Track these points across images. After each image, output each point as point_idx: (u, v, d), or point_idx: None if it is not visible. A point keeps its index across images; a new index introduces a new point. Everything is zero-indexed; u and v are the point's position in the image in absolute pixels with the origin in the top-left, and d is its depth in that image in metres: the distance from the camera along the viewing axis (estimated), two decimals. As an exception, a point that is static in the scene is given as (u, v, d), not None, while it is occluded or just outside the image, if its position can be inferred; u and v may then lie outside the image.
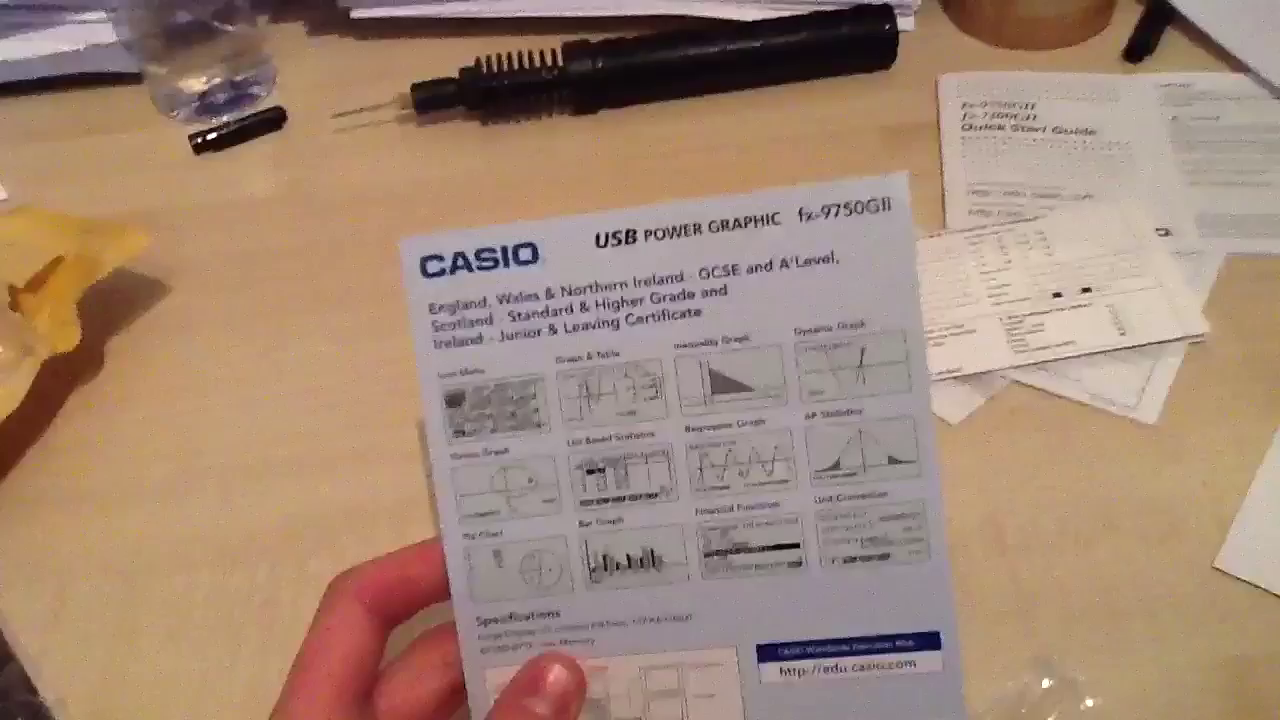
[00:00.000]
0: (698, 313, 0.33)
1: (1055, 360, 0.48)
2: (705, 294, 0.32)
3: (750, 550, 0.33)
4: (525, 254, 0.33)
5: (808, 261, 0.32)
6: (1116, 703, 0.39)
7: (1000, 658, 0.40)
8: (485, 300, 0.33)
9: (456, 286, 0.33)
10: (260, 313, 0.55)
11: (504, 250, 0.33)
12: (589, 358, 0.33)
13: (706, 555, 0.33)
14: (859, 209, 0.32)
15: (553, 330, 0.33)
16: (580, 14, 0.66)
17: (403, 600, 0.34)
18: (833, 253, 0.32)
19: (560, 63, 0.62)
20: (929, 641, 0.33)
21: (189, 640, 0.44)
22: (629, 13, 0.66)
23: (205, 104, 0.65)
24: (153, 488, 0.49)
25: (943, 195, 0.56)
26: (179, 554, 0.47)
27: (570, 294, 0.33)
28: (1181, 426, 0.46)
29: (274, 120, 0.65)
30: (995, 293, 0.51)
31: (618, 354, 0.33)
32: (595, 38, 0.63)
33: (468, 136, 0.64)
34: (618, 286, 0.33)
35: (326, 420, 0.51)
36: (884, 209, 0.32)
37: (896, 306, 0.32)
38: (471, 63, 0.63)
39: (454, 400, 0.33)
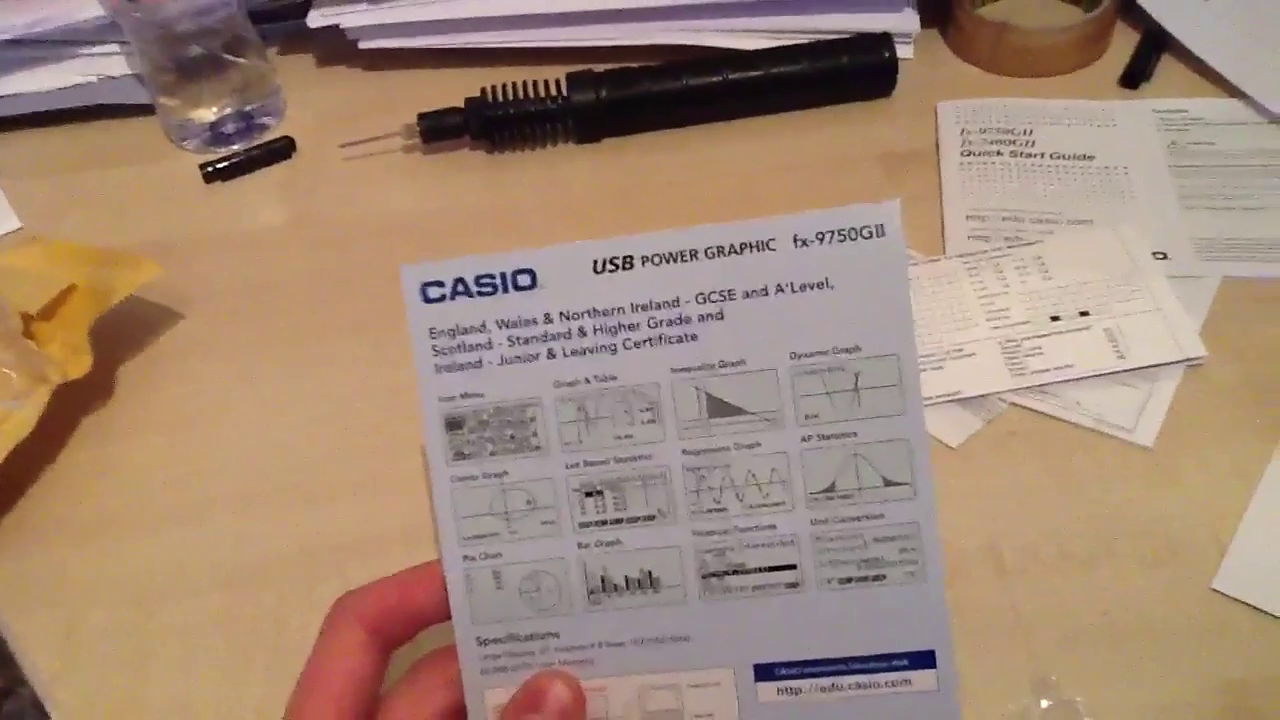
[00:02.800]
0: (694, 337, 0.33)
1: (1053, 383, 0.49)
2: (701, 319, 0.33)
3: (747, 572, 0.34)
4: (524, 280, 0.33)
5: (803, 287, 0.33)
6: (1115, 723, 0.39)
7: (1000, 679, 0.41)
8: (485, 325, 0.34)
9: (456, 311, 0.34)
10: (269, 340, 0.56)
11: (503, 276, 0.34)
12: (587, 382, 0.33)
13: (704, 576, 0.34)
14: (853, 235, 0.32)
15: (551, 355, 0.33)
16: (584, 44, 0.67)
17: (403, 622, 0.35)
18: (827, 278, 0.33)
19: (564, 92, 0.63)
20: (924, 660, 0.33)
21: (199, 665, 0.44)
22: (632, 42, 0.67)
23: (216, 134, 0.66)
24: (163, 514, 0.50)
25: (942, 220, 0.57)
26: (189, 580, 0.47)
27: (568, 319, 0.33)
28: (1179, 449, 0.47)
29: (283, 150, 0.66)
30: (994, 317, 0.51)
31: (615, 378, 0.33)
32: (599, 67, 0.64)
33: (473, 165, 0.65)
34: (615, 312, 0.33)
35: (334, 447, 0.51)
36: (877, 235, 0.32)
37: (890, 331, 0.33)
38: (477, 93, 0.64)
39: (454, 424, 0.34)
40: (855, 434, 0.33)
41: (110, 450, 0.52)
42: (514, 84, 0.63)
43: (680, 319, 0.33)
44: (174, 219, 0.63)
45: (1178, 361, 0.49)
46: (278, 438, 0.52)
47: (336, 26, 0.68)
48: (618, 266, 0.33)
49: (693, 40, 0.66)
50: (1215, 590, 0.42)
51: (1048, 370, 0.49)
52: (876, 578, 0.33)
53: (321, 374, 0.54)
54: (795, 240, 0.33)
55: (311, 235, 0.62)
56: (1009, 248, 0.54)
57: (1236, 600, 0.42)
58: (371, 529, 0.48)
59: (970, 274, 0.53)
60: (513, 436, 0.34)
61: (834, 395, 0.33)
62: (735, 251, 0.33)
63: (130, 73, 0.69)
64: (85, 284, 0.53)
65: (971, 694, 0.40)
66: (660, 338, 0.33)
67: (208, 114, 0.66)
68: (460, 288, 0.34)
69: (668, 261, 0.33)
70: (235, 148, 0.66)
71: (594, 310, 0.33)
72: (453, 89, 0.65)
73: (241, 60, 0.65)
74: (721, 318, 0.33)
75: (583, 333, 0.33)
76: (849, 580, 0.33)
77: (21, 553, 0.49)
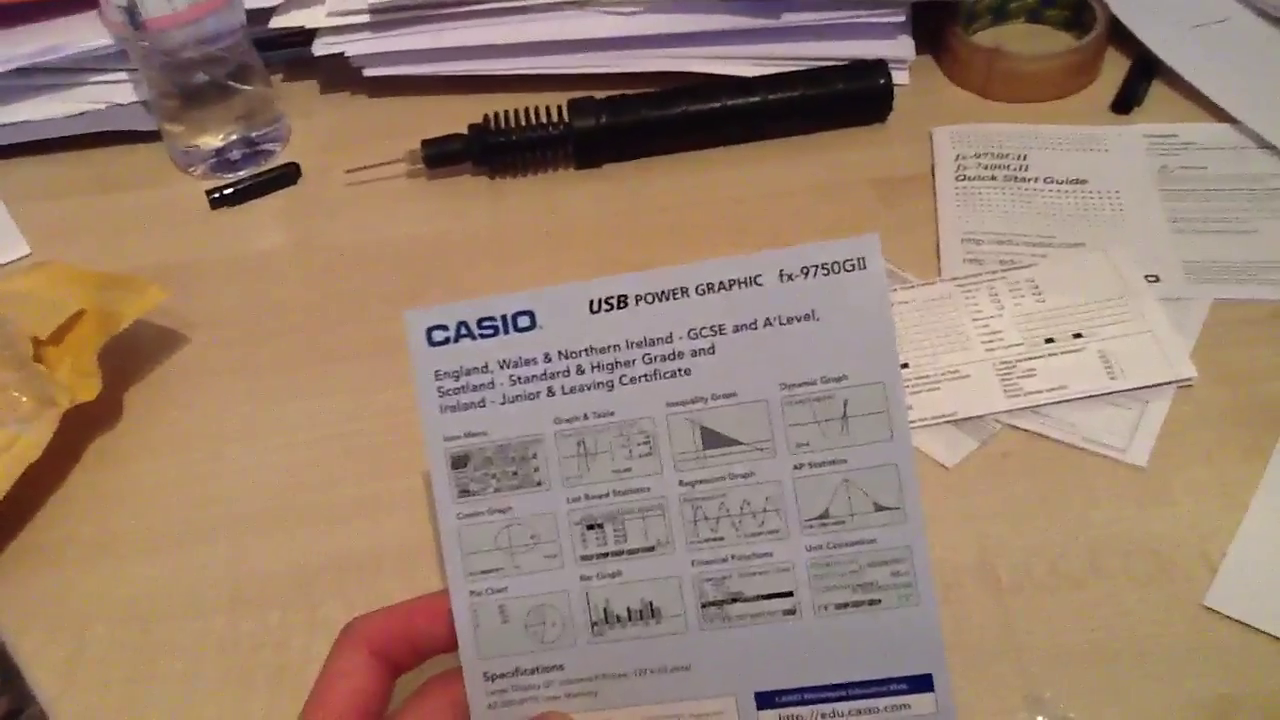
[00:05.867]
0: (687, 372, 0.34)
1: (1047, 405, 0.50)
2: (694, 354, 0.34)
3: (745, 600, 0.34)
4: (524, 321, 0.34)
5: (790, 320, 0.34)
6: (1107, 741, 0.40)
7: (994, 696, 0.41)
8: (487, 366, 0.34)
9: (460, 354, 0.35)
10: (274, 363, 0.57)
11: (504, 318, 0.34)
12: (585, 418, 0.34)
13: (704, 606, 0.34)
14: (836, 269, 0.33)
15: (551, 392, 0.34)
16: (585, 71, 0.68)
17: (409, 649, 0.35)
18: (813, 311, 0.34)
19: (565, 119, 0.64)
20: (922, 684, 0.34)
21: (203, 684, 0.45)
22: (632, 69, 0.68)
23: (221, 161, 0.67)
24: (167, 535, 0.50)
25: (937, 244, 0.58)
26: (193, 600, 0.48)
27: (567, 357, 0.34)
28: (1170, 468, 0.47)
29: (288, 176, 0.67)
30: (989, 339, 0.52)
31: (612, 413, 0.34)
32: (600, 94, 0.65)
33: (476, 190, 0.65)
34: (611, 349, 0.34)
35: (337, 469, 0.52)
36: (859, 268, 0.33)
37: (875, 360, 0.33)
38: (480, 119, 0.65)
39: (459, 462, 0.35)
40: (845, 461, 0.34)
41: (117, 473, 0.53)
42: (516, 111, 0.64)
43: (674, 354, 0.34)
44: (180, 244, 0.64)
45: (1169, 382, 0.50)
46: (281, 459, 0.53)
47: (341, 54, 0.69)
48: (613, 305, 0.34)
49: (691, 67, 0.67)
50: (1206, 607, 0.43)
51: (1041, 391, 0.50)
52: (871, 602, 0.34)
53: (324, 396, 0.55)
54: (781, 275, 0.34)
55: (315, 260, 0.62)
56: (1003, 271, 0.55)
57: (1226, 617, 0.42)
58: (373, 549, 0.48)
59: (965, 297, 0.54)
60: (515, 473, 0.35)
61: (823, 424, 0.34)
62: (724, 288, 0.34)
63: (137, 100, 0.69)
64: (94, 308, 0.54)
65: (966, 710, 0.41)
66: (655, 373, 0.34)
67: (213, 140, 0.67)
68: (463, 330, 0.35)
69: (660, 299, 0.34)
70: (241, 174, 0.67)
71: (591, 348, 0.34)
72: (455, 115, 0.65)
73: (247, 87, 0.66)
74: (713, 352, 0.34)
75: (581, 370, 0.34)
76: (845, 605, 0.34)
77: (29, 574, 0.49)
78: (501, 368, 0.34)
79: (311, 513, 0.50)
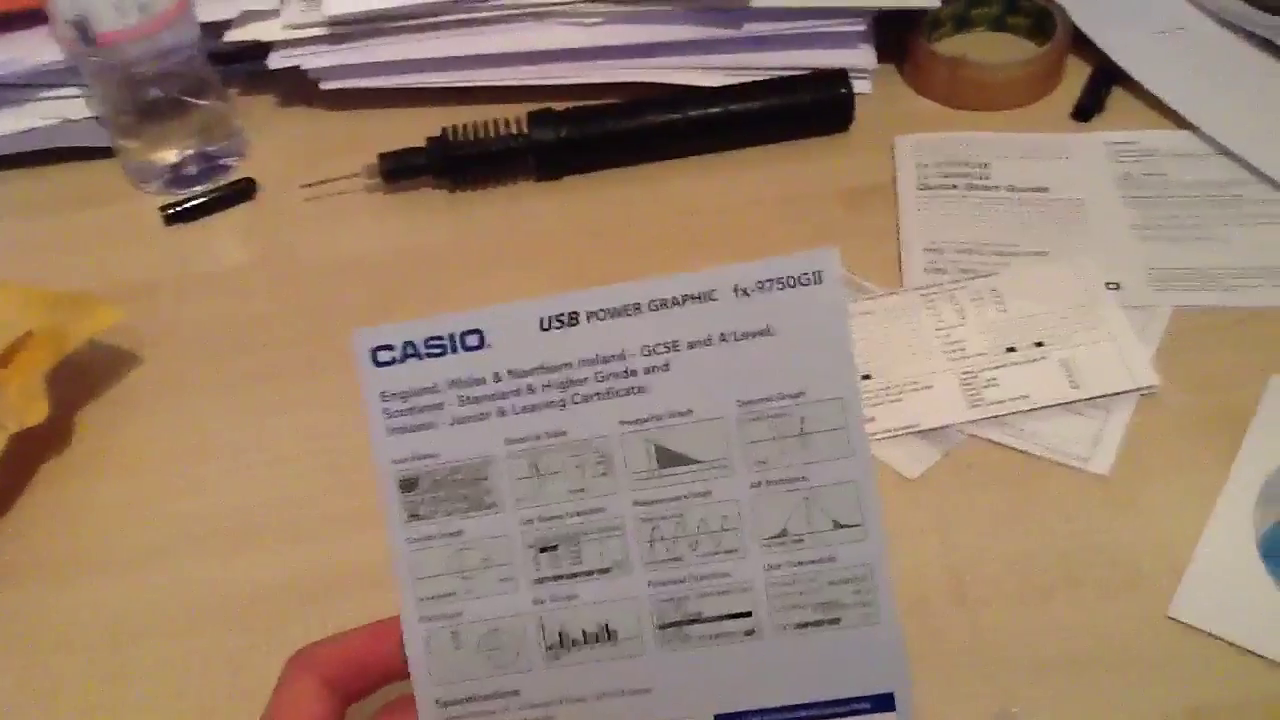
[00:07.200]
0: (642, 390, 0.33)
1: (1010, 414, 0.49)
2: (648, 371, 0.33)
3: (704, 620, 0.34)
4: (472, 340, 0.34)
5: (745, 335, 0.33)
6: (1075, 753, 0.40)
7: (962, 709, 0.41)
8: (436, 386, 0.34)
9: (407, 374, 0.34)
10: (232, 381, 0.56)
11: (452, 337, 0.34)
12: (538, 438, 0.34)
13: (661, 627, 0.34)
14: (792, 283, 0.33)
15: (501, 413, 0.34)
16: (545, 82, 0.68)
17: (359, 679, 0.35)
18: (769, 326, 0.33)
19: (525, 131, 0.64)
20: (884, 703, 0.34)
21: (162, 709, 0.44)
22: (592, 81, 0.67)
23: (177, 176, 0.66)
24: (126, 557, 0.49)
25: (899, 254, 0.58)
26: (153, 622, 0.47)
27: (517, 376, 0.33)
28: (1134, 477, 0.47)
29: (245, 191, 0.66)
30: (951, 349, 0.52)
31: (565, 433, 0.34)
32: (560, 106, 0.65)
33: (435, 204, 0.65)
34: (563, 368, 0.33)
35: (297, 487, 0.51)
36: (816, 282, 0.33)
37: (833, 375, 0.33)
38: (438, 131, 0.64)
39: (408, 485, 0.34)
40: (805, 478, 0.33)
41: (69, 496, 0.52)
42: (475, 123, 0.64)
43: (627, 372, 0.33)
44: (135, 261, 0.63)
45: (1131, 390, 0.50)
46: (238, 480, 0.52)
47: (297, 67, 0.68)
48: (564, 323, 0.33)
49: (652, 78, 0.67)
50: (1171, 618, 0.43)
51: (1004, 401, 0.50)
52: (832, 621, 0.33)
53: (282, 415, 0.54)
54: (736, 290, 0.33)
55: (273, 276, 0.62)
56: (966, 280, 0.55)
57: (1192, 627, 0.42)
58: (335, 569, 0.48)
59: (927, 306, 0.54)
60: (467, 496, 0.34)
61: (781, 441, 0.33)
62: (678, 303, 0.33)
63: (90, 115, 0.68)
64: (43, 329, 0.53)
65: (934, 725, 0.41)
66: (609, 391, 0.33)
67: (169, 156, 0.66)
68: (410, 350, 0.34)
69: (613, 316, 0.33)
70: (197, 189, 0.66)
71: (542, 367, 0.33)
72: (415, 128, 0.65)
73: (202, 102, 0.65)
74: (668, 369, 0.33)
75: (532, 390, 0.33)
76: (805, 625, 0.33)
77: (-19, 600, 0.48)
78: (450, 388, 0.34)
79: (272, 532, 0.50)
